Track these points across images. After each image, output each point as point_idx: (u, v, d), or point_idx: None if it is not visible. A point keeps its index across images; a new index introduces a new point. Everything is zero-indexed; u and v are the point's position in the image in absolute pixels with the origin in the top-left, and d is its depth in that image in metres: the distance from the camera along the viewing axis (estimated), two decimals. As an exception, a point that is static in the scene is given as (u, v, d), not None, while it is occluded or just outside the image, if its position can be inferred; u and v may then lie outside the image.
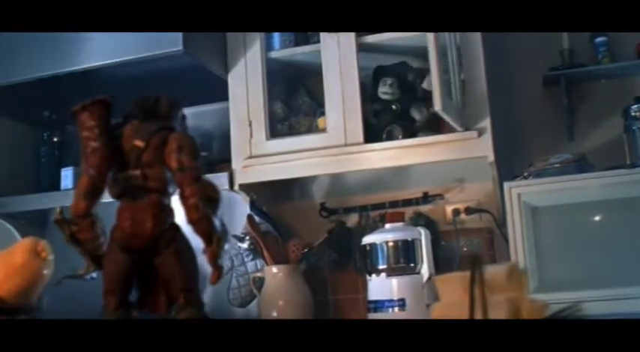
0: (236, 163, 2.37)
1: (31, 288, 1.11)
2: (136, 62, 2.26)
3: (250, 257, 2.39)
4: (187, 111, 2.72)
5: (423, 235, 2.15)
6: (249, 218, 2.32)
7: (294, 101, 2.52)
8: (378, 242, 2.15)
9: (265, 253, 2.30)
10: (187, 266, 0.91)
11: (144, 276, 0.95)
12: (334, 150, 2.27)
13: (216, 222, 0.92)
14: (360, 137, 2.24)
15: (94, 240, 0.95)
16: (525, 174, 2.05)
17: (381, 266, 2.14)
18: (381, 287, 2.12)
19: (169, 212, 0.96)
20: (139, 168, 0.93)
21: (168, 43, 2.14)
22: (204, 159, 2.50)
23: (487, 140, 2.13)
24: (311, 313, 2.29)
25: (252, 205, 2.42)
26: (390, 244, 2.14)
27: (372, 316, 2.09)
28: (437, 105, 1.92)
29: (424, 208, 2.46)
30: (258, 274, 2.34)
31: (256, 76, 2.38)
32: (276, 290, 2.27)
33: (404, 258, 2.13)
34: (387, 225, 2.23)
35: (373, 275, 2.16)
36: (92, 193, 0.94)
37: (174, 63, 2.24)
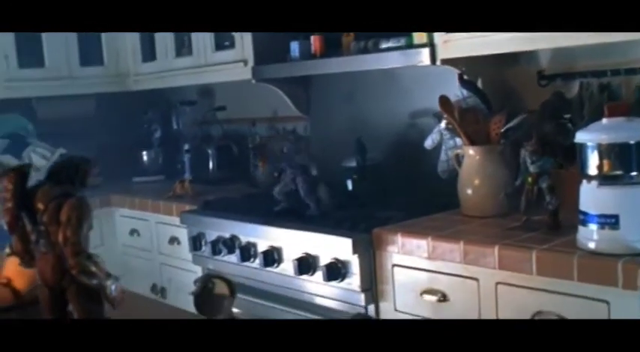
0: (437, 38, 2.33)
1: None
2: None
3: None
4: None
5: None
6: (441, 99, 2.31)
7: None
8: (589, 142, 1.77)
9: (461, 133, 2.30)
10: (86, 300, 1.16)
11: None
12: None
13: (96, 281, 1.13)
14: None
15: None
16: None
17: (591, 173, 1.78)
18: (592, 197, 1.78)
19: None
20: (43, 225, 1.16)
21: None
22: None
23: None
24: (506, 192, 2.26)
25: (461, 78, 2.40)
26: (605, 146, 1.75)
27: (582, 229, 1.80)
28: None
29: (652, 77, 2.14)
30: (459, 151, 2.36)
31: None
32: (472, 169, 2.30)
33: (621, 163, 1.73)
34: (605, 120, 1.79)
35: (584, 181, 1.81)
36: (21, 239, 1.22)
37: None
